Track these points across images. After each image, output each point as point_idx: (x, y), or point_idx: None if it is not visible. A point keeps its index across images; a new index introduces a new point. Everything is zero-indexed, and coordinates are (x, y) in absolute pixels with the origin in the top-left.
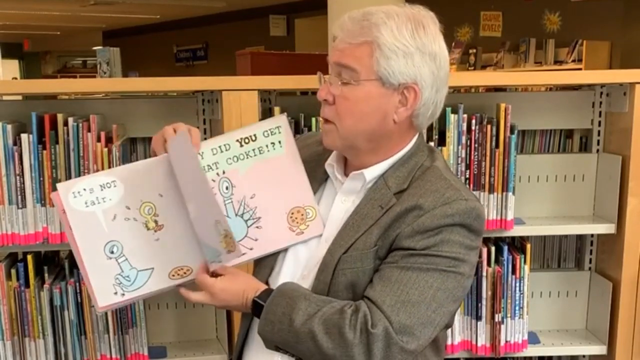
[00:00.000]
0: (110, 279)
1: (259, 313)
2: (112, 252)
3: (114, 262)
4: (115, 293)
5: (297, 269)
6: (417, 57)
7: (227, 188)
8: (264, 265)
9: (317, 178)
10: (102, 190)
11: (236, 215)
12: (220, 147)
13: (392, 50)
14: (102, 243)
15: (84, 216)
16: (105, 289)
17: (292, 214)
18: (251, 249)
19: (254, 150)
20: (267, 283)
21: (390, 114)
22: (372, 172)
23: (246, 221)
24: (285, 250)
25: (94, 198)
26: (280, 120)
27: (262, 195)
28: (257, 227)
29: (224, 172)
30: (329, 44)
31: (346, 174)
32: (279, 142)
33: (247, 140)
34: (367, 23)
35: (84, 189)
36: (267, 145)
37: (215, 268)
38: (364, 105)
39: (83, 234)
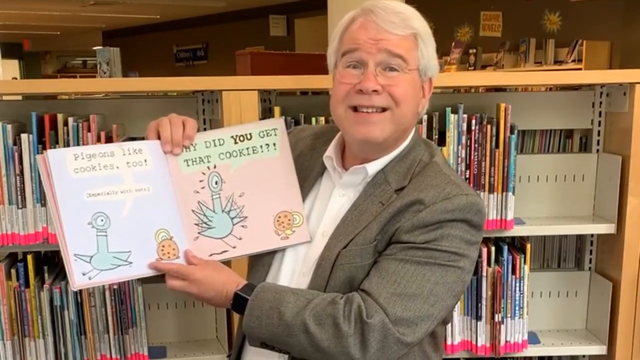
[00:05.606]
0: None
1: (240, 308)
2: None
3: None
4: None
5: (297, 266)
6: (433, 45)
7: (216, 183)
8: (262, 263)
9: (314, 171)
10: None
11: (223, 211)
12: (214, 141)
13: (429, 42)
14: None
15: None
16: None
17: (279, 217)
18: (234, 247)
19: (247, 149)
20: (265, 280)
21: (418, 105)
22: (373, 167)
23: (232, 219)
24: (284, 247)
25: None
26: (278, 123)
27: (251, 195)
28: (242, 226)
29: (215, 167)
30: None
31: (344, 167)
32: (274, 144)
33: (242, 138)
34: (403, 15)
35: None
36: (261, 146)
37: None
38: (411, 93)
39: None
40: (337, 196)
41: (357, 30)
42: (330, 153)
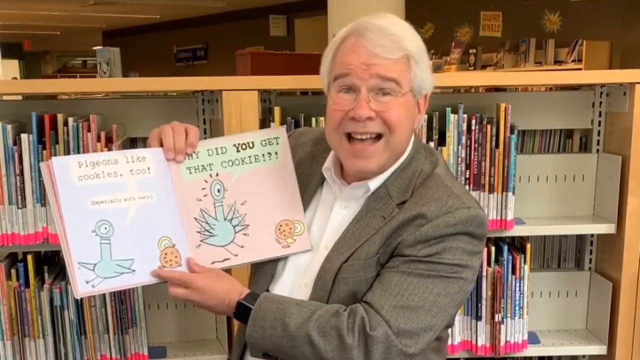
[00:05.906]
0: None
1: (243, 316)
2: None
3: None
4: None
5: (299, 277)
6: (427, 62)
7: (218, 191)
8: (264, 272)
9: (314, 180)
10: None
11: (225, 219)
12: (216, 149)
13: (422, 59)
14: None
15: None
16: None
17: (281, 226)
18: (236, 255)
19: (250, 157)
20: (267, 291)
21: (414, 123)
22: (375, 182)
23: (234, 227)
24: (286, 258)
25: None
26: (280, 132)
27: (252, 203)
28: (244, 234)
29: (217, 175)
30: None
31: (343, 177)
32: (276, 153)
33: (244, 147)
34: (395, 37)
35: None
36: (263, 155)
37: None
38: (406, 115)
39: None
40: (339, 208)
41: (348, 53)
42: (329, 165)
